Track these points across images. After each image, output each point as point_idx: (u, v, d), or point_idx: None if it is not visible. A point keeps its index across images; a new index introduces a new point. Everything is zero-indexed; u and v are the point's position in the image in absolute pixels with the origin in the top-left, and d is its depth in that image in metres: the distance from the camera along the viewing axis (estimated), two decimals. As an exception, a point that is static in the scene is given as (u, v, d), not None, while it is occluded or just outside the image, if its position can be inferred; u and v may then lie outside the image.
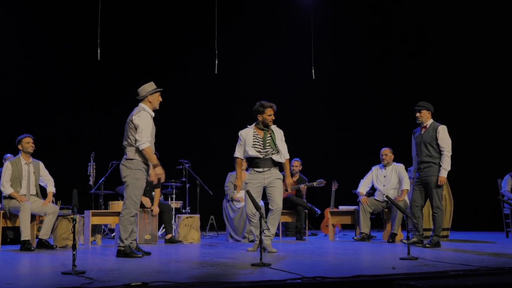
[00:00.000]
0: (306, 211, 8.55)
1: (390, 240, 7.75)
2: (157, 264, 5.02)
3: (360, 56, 11.99)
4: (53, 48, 10.72)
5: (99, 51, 8.79)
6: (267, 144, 6.27)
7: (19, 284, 3.76)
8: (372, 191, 8.35)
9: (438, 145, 6.78)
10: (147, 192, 7.79)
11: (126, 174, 5.69)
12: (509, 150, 10.49)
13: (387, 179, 8.11)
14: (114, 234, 8.56)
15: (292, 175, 8.87)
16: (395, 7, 11.70)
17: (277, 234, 8.82)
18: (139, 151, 5.68)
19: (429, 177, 6.76)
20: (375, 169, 8.31)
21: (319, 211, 8.82)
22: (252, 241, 7.31)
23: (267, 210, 6.44)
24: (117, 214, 7.22)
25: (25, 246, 6.51)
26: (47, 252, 6.45)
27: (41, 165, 7.19)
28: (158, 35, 11.26)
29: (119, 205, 8.06)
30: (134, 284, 3.52)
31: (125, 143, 5.77)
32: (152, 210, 7.76)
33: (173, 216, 8.38)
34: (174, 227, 8.20)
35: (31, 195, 6.99)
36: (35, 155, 7.14)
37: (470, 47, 11.23)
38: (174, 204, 8.95)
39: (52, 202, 7.20)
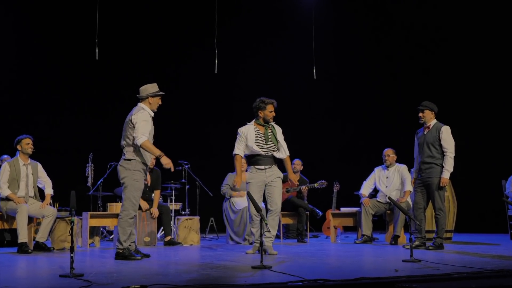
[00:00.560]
0: (308, 212, 8.55)
1: (393, 242, 7.75)
2: (156, 267, 5.02)
3: (362, 55, 11.99)
4: (50, 47, 10.71)
5: (97, 50, 8.79)
6: (269, 140, 6.29)
7: (16, 287, 3.77)
8: (375, 192, 8.35)
9: (441, 145, 6.78)
10: (147, 194, 7.78)
11: (125, 176, 5.69)
12: (513, 151, 10.51)
13: (390, 180, 8.11)
14: (112, 236, 8.56)
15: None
16: (397, 5, 11.69)
17: (278, 236, 8.82)
18: (138, 151, 5.68)
19: (431, 179, 6.76)
20: (377, 170, 8.30)
21: (320, 212, 8.82)
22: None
23: (266, 210, 6.45)
24: (116, 216, 7.22)
25: (22, 248, 6.51)
26: (45, 254, 6.45)
27: (39, 166, 7.19)
28: (157, 34, 11.26)
29: (118, 207, 8.06)
30: (133, 287, 3.52)
31: (123, 143, 5.77)
32: (151, 212, 7.76)
33: (173, 218, 8.38)
34: (173, 229, 8.20)
35: (29, 197, 6.98)
36: (33, 156, 7.14)
37: (474, 47, 11.23)
38: (174, 206, 8.96)
39: (50, 204, 7.20)
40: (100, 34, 8.91)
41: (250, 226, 6.43)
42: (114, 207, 8.50)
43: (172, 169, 5.80)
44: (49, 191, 7.17)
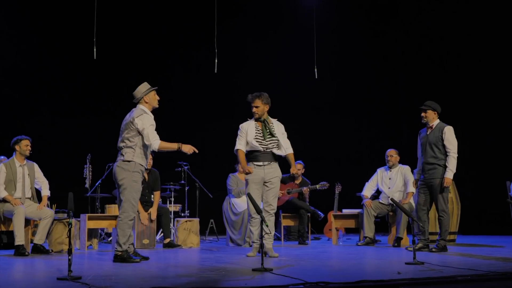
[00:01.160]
0: (309, 214, 8.55)
1: (395, 244, 7.75)
2: (155, 270, 5.02)
3: (364, 54, 11.98)
4: (47, 46, 10.71)
5: (95, 50, 8.79)
6: (267, 136, 6.28)
7: (13, 290, 3.77)
8: (377, 193, 8.35)
9: (444, 146, 6.78)
10: (146, 195, 7.79)
11: (123, 177, 5.69)
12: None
13: (393, 181, 8.11)
14: (111, 238, 8.56)
15: (295, 178, 8.88)
16: (399, 3, 11.69)
17: (279, 238, 8.82)
18: (137, 153, 5.69)
19: (434, 180, 6.76)
20: (380, 171, 8.30)
21: (322, 214, 8.81)
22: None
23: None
24: (114, 217, 7.23)
25: (19, 251, 6.51)
26: (42, 257, 6.45)
27: (36, 166, 7.19)
28: (156, 33, 11.26)
29: (116, 209, 8.06)
30: (131, 290, 3.52)
31: (122, 144, 5.77)
32: (150, 214, 7.76)
33: (172, 220, 8.38)
34: (172, 231, 8.20)
35: (26, 198, 6.99)
36: (30, 156, 7.14)
37: (479, 46, 11.21)
38: (173, 208, 8.95)
39: (47, 205, 7.20)
40: (98, 33, 8.91)
41: (249, 225, 6.43)
42: (113, 209, 8.50)
43: (197, 151, 5.84)
44: (45, 192, 7.17)
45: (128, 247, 5.71)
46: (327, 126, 11.88)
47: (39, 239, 6.82)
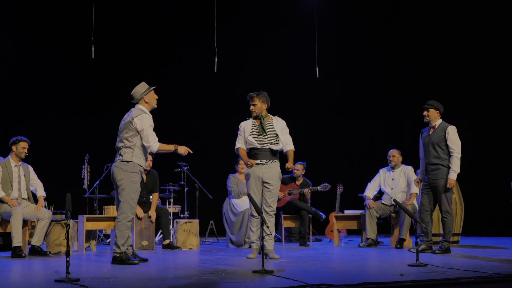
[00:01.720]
0: (310, 215, 8.55)
1: (398, 246, 7.75)
2: (154, 272, 5.02)
3: (366, 53, 11.97)
4: (44, 46, 10.70)
5: (93, 48, 8.79)
6: (262, 132, 6.28)
7: (10, 292, 3.78)
8: (380, 194, 8.35)
9: (447, 146, 6.78)
10: (144, 196, 7.79)
11: (122, 177, 5.69)
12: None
13: (395, 182, 8.10)
14: (109, 240, 8.56)
15: (295, 179, 8.88)
16: (402, 1, 11.69)
17: (279, 240, 8.83)
18: (136, 153, 5.70)
19: (438, 180, 6.76)
20: (382, 172, 8.30)
21: (323, 215, 8.81)
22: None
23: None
24: (113, 219, 7.23)
25: (17, 252, 6.52)
26: (40, 258, 6.46)
27: (31, 168, 7.22)
28: (155, 32, 11.26)
29: (114, 210, 8.06)
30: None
31: (121, 144, 5.78)
32: (149, 216, 7.77)
33: (171, 221, 8.38)
34: (172, 232, 8.20)
35: (23, 198, 6.99)
36: (27, 157, 7.14)
37: (483, 45, 11.19)
38: (172, 209, 8.95)
39: (45, 206, 7.20)
40: (96, 32, 8.90)
41: (250, 225, 6.44)
42: (111, 210, 8.50)
43: (191, 151, 5.95)
44: (41, 192, 7.19)
45: (127, 248, 5.71)
46: (329, 126, 11.88)
47: (37, 240, 6.83)
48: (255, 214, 6.23)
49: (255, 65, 11.54)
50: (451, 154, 6.76)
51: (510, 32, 11.05)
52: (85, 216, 7.45)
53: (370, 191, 8.27)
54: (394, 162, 8.17)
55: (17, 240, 6.58)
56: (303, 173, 8.97)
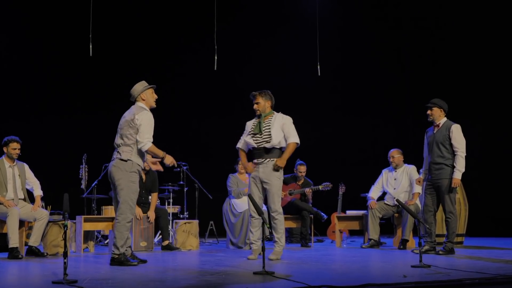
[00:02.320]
0: (312, 216, 8.55)
1: (401, 246, 7.74)
2: (153, 273, 5.02)
3: (368, 51, 11.97)
4: (41, 43, 10.69)
5: (91, 46, 8.79)
6: (263, 129, 6.29)
7: (7, 294, 3.78)
8: (382, 194, 8.33)
9: (451, 145, 6.77)
10: (143, 196, 7.79)
11: (120, 177, 5.68)
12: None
13: (398, 182, 8.09)
14: (107, 240, 8.56)
15: (297, 179, 8.88)
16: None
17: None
18: (135, 152, 5.69)
19: (441, 180, 6.75)
20: (385, 172, 8.29)
21: (325, 216, 8.81)
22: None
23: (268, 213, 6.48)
24: (111, 219, 7.23)
25: (13, 253, 6.51)
26: (37, 260, 6.46)
27: (26, 167, 7.19)
28: (155, 30, 11.25)
29: (113, 210, 8.06)
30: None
31: (120, 142, 5.77)
32: (148, 216, 7.77)
33: (170, 222, 8.38)
34: (171, 233, 8.20)
35: (19, 199, 6.99)
36: (24, 156, 7.14)
37: (487, 42, 11.17)
38: (172, 209, 8.95)
39: (42, 207, 7.20)
40: (94, 29, 8.90)
41: (250, 225, 6.45)
42: (109, 211, 8.50)
43: (176, 165, 5.94)
44: (38, 192, 7.18)
45: (126, 249, 5.71)
46: (331, 125, 11.88)
47: (34, 240, 6.83)
48: (255, 215, 6.24)
49: (256, 64, 11.53)
50: (455, 153, 6.75)
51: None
52: (83, 216, 7.46)
53: (374, 193, 8.25)
54: (395, 163, 8.16)
55: (14, 241, 6.57)
56: (303, 174, 8.96)
